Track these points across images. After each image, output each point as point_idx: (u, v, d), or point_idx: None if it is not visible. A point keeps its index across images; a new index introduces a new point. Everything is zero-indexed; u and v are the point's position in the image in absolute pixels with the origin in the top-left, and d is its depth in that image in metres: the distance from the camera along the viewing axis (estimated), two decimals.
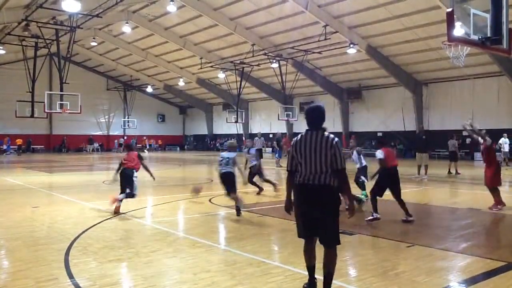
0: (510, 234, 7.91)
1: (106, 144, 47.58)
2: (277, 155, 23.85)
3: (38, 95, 28.88)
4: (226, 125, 43.25)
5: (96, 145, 45.23)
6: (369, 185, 8.92)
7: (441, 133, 26.84)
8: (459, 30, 6.77)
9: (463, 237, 6.92)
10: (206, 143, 49.48)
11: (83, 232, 7.09)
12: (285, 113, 34.05)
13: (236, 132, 43.83)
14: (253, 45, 29.89)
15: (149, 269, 5.16)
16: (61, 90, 26.05)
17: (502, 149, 21.89)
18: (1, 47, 30.52)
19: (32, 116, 30.34)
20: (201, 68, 35.11)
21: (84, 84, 40.19)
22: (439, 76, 29.41)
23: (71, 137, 43.96)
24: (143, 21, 31.68)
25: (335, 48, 27.81)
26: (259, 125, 42.66)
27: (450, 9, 6.52)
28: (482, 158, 9.91)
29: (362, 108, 34.81)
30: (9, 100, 35.15)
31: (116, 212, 8.66)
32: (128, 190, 8.98)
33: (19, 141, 38.50)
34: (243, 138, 43.51)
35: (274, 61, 31.41)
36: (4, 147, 37.85)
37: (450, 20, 6.43)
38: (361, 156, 10.21)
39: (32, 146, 41.49)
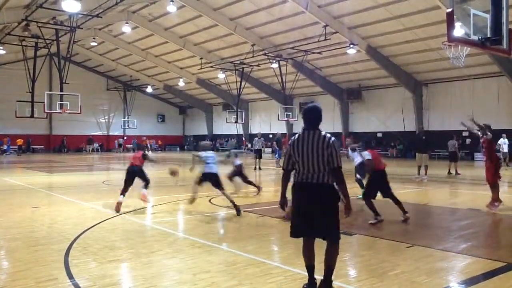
0: (510, 235, 7.91)
1: (106, 144, 47.59)
2: (276, 155, 23.85)
3: (38, 95, 28.87)
4: (226, 125, 43.27)
5: (96, 145, 45.25)
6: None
7: (441, 134, 26.86)
8: (459, 30, 6.76)
9: (463, 238, 6.92)
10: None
11: (83, 232, 7.09)
12: (285, 113, 34.08)
13: (236, 133, 43.85)
14: (253, 45, 29.89)
15: (149, 270, 5.16)
16: (61, 90, 26.05)
17: (501, 150, 21.87)
18: (1, 47, 30.52)
19: (32, 116, 30.34)
20: (201, 68, 35.12)
21: (84, 84, 40.20)
22: (439, 76, 29.42)
23: (71, 137, 43.95)
24: (143, 21, 31.69)
25: (335, 49, 27.82)
26: (259, 125, 42.66)
27: (450, 10, 6.51)
28: (482, 152, 9.95)
29: (362, 109, 34.82)
30: (9, 100, 35.13)
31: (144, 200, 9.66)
32: (144, 183, 9.86)
33: (19, 141, 38.51)
34: (243, 138, 43.56)
35: (274, 61, 31.42)
36: (5, 147, 37.86)
37: (450, 20, 6.43)
38: (356, 153, 10.17)
39: (32, 146, 41.52)
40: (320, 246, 4.47)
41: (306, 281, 4.44)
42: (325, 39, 25.90)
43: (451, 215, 9.28)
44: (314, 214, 4.27)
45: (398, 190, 13.32)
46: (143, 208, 9.75)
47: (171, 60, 38.41)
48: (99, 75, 46.66)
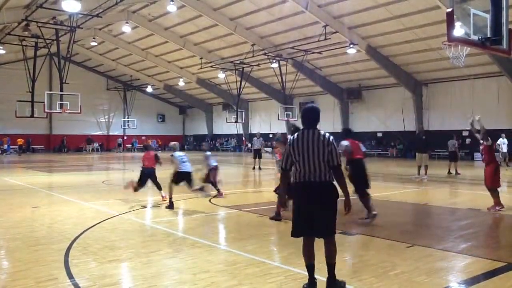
0: (509, 235, 7.90)
1: (106, 144, 47.60)
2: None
3: (38, 95, 28.85)
4: (226, 125, 43.27)
5: (96, 145, 45.25)
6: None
7: (441, 133, 26.86)
8: (459, 30, 6.76)
9: (463, 238, 6.92)
10: (206, 143, 49.40)
11: (83, 232, 7.09)
12: (285, 113, 34.09)
13: (236, 132, 43.86)
14: (253, 45, 29.89)
15: (148, 269, 5.16)
16: (61, 90, 26.04)
17: (500, 150, 21.87)
18: (1, 47, 30.51)
19: (32, 116, 30.33)
20: (201, 68, 35.12)
21: (84, 84, 40.18)
22: (439, 76, 29.42)
23: (71, 137, 43.96)
24: (143, 21, 31.68)
25: (335, 48, 27.83)
26: (259, 125, 42.66)
27: (450, 9, 6.51)
28: (482, 158, 9.89)
29: (362, 108, 34.81)
30: (9, 100, 35.13)
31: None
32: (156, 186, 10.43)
33: (20, 141, 38.50)
34: (243, 138, 43.57)
35: (274, 61, 31.42)
36: (5, 147, 37.86)
37: (450, 20, 6.43)
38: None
39: (32, 146, 41.51)
40: (320, 246, 4.48)
41: (306, 281, 4.44)
42: (325, 39, 25.90)
43: (451, 215, 9.27)
44: (315, 212, 4.31)
45: (398, 190, 13.36)
46: (143, 208, 9.76)
47: (171, 60, 38.41)
48: (99, 75, 46.66)
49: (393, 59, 28.90)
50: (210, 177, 11.36)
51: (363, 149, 8.89)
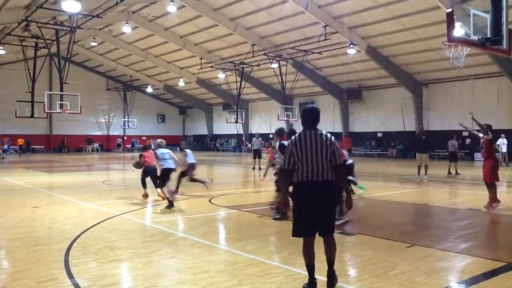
0: (509, 235, 7.90)
1: (106, 144, 47.61)
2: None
3: (38, 95, 28.86)
4: (226, 125, 43.27)
5: (96, 145, 45.25)
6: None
7: (441, 134, 26.85)
8: (459, 30, 6.76)
9: (463, 238, 6.92)
10: (206, 143, 49.48)
11: (83, 232, 7.09)
12: (285, 113, 34.08)
13: (236, 132, 43.86)
14: (253, 45, 29.90)
15: (148, 269, 5.16)
16: (61, 90, 26.05)
17: (500, 150, 21.87)
18: (1, 47, 30.51)
19: (32, 116, 30.33)
20: (201, 68, 35.13)
21: (84, 84, 40.18)
22: (439, 76, 29.42)
23: (71, 137, 43.98)
24: (143, 21, 31.69)
25: (335, 49, 27.83)
26: (259, 125, 42.66)
27: (450, 10, 6.52)
28: (481, 152, 9.89)
29: (362, 109, 34.82)
30: (9, 100, 35.11)
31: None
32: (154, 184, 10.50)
33: (20, 141, 38.49)
34: (243, 139, 43.57)
35: (274, 61, 31.43)
36: (5, 147, 37.85)
37: (450, 20, 6.44)
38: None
39: (32, 146, 41.50)
40: (319, 246, 4.49)
41: (306, 281, 4.44)
42: (325, 39, 25.90)
43: (451, 215, 9.28)
44: (318, 211, 4.37)
45: (398, 190, 13.36)
46: (143, 208, 9.76)
47: (171, 60, 38.41)
48: (99, 75, 46.66)
49: (393, 59, 28.90)
50: (187, 174, 11.45)
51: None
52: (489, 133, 9.46)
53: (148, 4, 28.45)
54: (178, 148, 11.84)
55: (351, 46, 26.33)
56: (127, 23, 30.21)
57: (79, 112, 26.91)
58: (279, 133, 8.92)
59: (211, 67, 34.73)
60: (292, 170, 4.50)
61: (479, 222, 8.46)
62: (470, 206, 9.92)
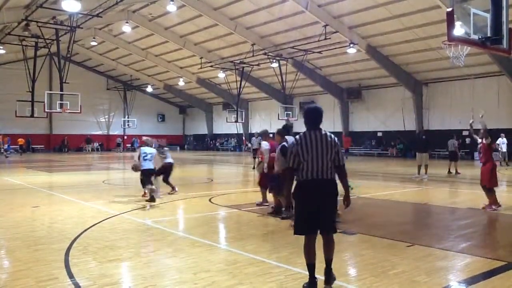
0: (509, 234, 7.90)
1: (106, 143, 47.61)
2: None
3: (38, 95, 28.86)
4: (226, 124, 43.27)
5: (96, 144, 45.25)
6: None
7: (441, 133, 26.84)
8: (459, 29, 6.77)
9: (462, 237, 6.92)
10: (206, 142, 49.50)
11: (83, 232, 7.10)
12: (285, 112, 34.10)
13: (236, 132, 43.85)
14: (253, 45, 29.89)
15: (149, 269, 5.17)
16: (61, 90, 26.04)
17: (499, 149, 21.87)
18: (1, 47, 30.47)
19: (32, 116, 30.33)
20: (201, 68, 35.12)
21: (84, 84, 40.16)
22: (439, 76, 29.41)
23: (71, 136, 43.97)
24: (143, 21, 31.67)
25: (335, 48, 27.82)
26: (259, 125, 42.57)
27: (450, 9, 6.52)
28: (479, 156, 9.83)
29: (362, 108, 34.81)
30: (9, 100, 35.10)
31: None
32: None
33: (21, 141, 38.47)
34: (243, 138, 43.56)
35: (274, 61, 31.41)
36: (5, 147, 37.82)
37: (450, 20, 6.44)
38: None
39: (32, 146, 41.48)
40: (319, 246, 4.49)
41: (307, 280, 4.45)
42: (325, 39, 25.88)
43: (451, 215, 9.28)
44: (321, 209, 4.43)
45: (398, 189, 13.36)
46: (143, 208, 9.76)
47: (171, 59, 38.40)
48: (99, 75, 46.66)
49: (393, 59, 28.89)
50: (164, 173, 11.51)
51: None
52: (488, 137, 9.41)
53: (148, 4, 28.44)
54: (157, 146, 11.72)
55: (351, 45, 26.32)
56: (127, 22, 30.20)
57: (79, 111, 26.91)
58: (281, 132, 8.95)
59: (211, 66, 34.72)
60: (296, 170, 4.55)
61: (479, 222, 8.47)
62: (470, 206, 9.93)
